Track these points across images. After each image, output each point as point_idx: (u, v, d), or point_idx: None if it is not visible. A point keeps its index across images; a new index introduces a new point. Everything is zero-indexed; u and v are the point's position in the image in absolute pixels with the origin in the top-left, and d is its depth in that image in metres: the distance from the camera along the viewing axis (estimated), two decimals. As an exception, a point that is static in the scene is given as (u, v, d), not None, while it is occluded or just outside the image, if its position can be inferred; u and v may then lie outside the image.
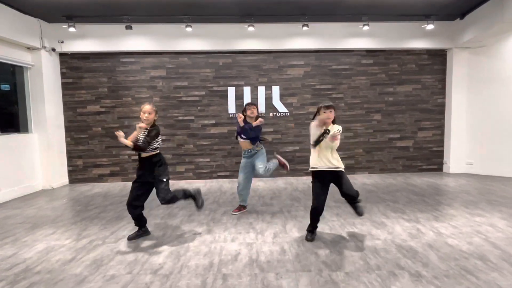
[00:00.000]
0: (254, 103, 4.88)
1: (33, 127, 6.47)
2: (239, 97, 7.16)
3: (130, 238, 3.65)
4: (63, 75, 6.95)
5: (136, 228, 3.76)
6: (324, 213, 4.38)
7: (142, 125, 3.49)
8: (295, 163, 7.29)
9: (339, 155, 3.47)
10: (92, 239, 3.70)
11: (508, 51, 6.62)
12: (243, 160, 4.52)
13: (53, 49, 6.59)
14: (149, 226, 4.06)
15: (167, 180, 3.58)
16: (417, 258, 3.04)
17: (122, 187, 6.58)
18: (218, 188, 6.30)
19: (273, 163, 4.46)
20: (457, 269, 2.80)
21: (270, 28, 6.86)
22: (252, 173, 4.52)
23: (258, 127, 4.35)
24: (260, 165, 4.35)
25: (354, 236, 3.61)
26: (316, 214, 3.49)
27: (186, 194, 3.74)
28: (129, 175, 7.16)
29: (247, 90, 7.16)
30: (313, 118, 3.50)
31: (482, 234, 3.60)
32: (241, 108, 7.15)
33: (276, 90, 7.20)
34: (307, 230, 3.62)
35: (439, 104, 7.46)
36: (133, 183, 3.60)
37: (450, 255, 3.09)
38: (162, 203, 3.59)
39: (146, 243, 3.55)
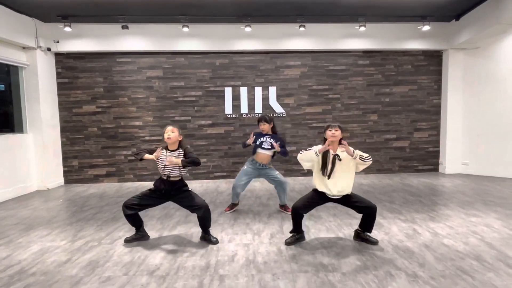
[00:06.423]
0: (263, 117, 4.38)
1: (28, 127, 6.41)
2: (235, 97, 7.15)
3: (127, 241, 3.57)
4: (58, 75, 6.90)
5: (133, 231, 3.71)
6: (321, 213, 4.41)
7: (157, 153, 3.49)
8: (292, 164, 7.29)
9: None
10: (88, 240, 3.67)
11: (503, 52, 6.67)
12: (249, 168, 4.44)
13: (49, 49, 6.54)
14: (145, 226, 4.02)
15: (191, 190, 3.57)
16: (414, 258, 3.05)
17: (118, 188, 6.54)
18: (215, 189, 6.28)
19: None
20: (453, 269, 2.81)
21: (267, 29, 6.86)
22: (251, 180, 4.54)
23: (284, 148, 4.35)
24: (278, 173, 4.46)
25: (351, 236, 3.61)
26: (295, 215, 3.40)
27: None
28: (125, 176, 7.12)
29: (243, 91, 7.15)
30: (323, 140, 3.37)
31: (478, 234, 3.62)
32: (238, 108, 7.18)
33: (273, 90, 7.20)
34: (290, 232, 3.54)
35: (435, 105, 7.50)
36: (146, 192, 3.51)
37: (446, 255, 3.10)
38: (201, 213, 3.40)
39: (142, 244, 3.52)
